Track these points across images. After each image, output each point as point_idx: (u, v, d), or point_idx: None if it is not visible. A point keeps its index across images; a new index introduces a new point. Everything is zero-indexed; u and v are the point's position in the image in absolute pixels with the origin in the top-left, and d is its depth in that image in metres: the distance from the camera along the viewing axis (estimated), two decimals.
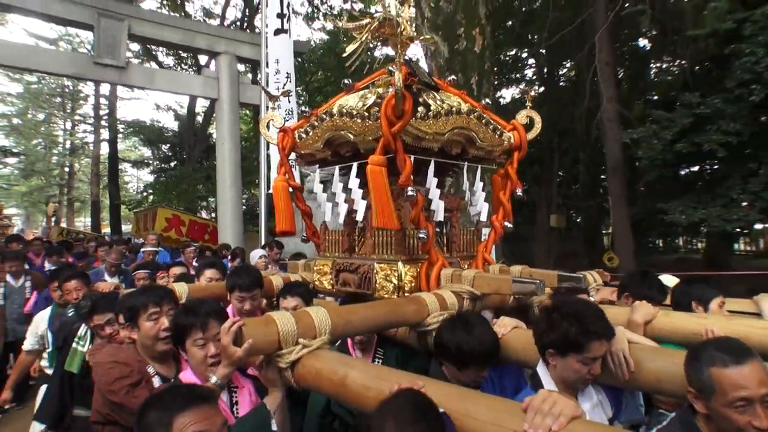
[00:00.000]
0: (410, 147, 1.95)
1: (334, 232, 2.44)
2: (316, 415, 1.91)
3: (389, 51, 2.73)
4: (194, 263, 5.26)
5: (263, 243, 7.29)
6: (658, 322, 1.85)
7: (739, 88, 6.20)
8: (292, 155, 2.39)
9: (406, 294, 2.04)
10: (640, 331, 1.74)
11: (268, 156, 7.91)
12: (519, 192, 2.31)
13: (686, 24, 7.38)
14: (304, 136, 2.27)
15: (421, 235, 1.96)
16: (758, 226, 7.40)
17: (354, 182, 2.16)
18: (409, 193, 1.90)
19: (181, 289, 2.21)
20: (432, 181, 2.11)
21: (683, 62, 8.44)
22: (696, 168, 8.85)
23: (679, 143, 7.01)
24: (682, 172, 8.58)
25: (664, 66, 11.58)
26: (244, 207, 15.61)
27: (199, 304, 1.68)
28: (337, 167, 2.26)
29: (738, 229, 7.78)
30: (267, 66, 8.28)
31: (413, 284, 2.07)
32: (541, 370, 1.48)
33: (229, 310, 2.26)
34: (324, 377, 1.39)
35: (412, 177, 1.93)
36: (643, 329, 1.79)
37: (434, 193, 2.12)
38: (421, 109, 1.93)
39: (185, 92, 11.15)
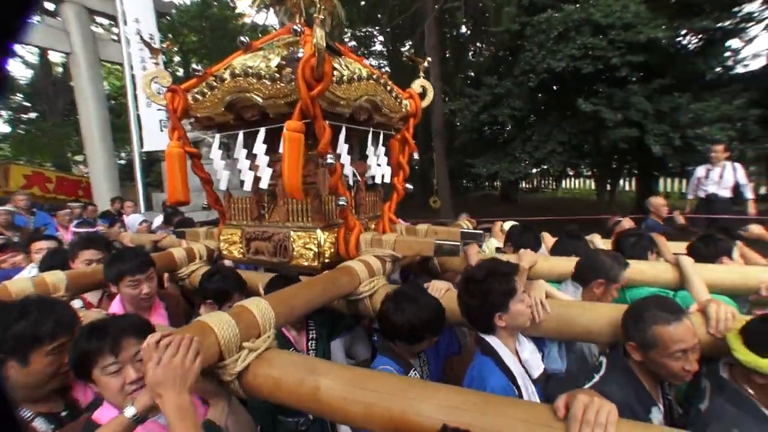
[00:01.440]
0: (324, 112, 1.90)
1: (241, 199, 2.25)
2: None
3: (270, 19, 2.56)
4: (73, 229, 4.11)
5: (143, 204, 7.34)
6: (539, 266, 2.16)
7: (522, 76, 7.95)
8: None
9: (326, 261, 2.06)
10: (524, 276, 1.93)
11: (137, 116, 7.56)
12: (416, 156, 2.52)
13: (490, 21, 9.29)
14: (199, 97, 2.00)
15: (341, 203, 1.97)
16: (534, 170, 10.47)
17: (260, 148, 2.01)
18: (329, 161, 1.86)
19: (55, 280, 1.71)
20: (343, 147, 2.16)
21: (492, 49, 10.65)
22: (495, 132, 11.41)
23: (482, 114, 8.80)
24: (485, 136, 10.88)
25: (479, 51, 14.73)
26: (123, 162, 14.18)
27: (107, 321, 1.21)
28: (241, 132, 2.07)
29: (520, 177, 10.46)
30: (126, 24, 7.47)
31: (332, 250, 2.10)
32: (491, 339, 1.47)
33: (116, 304, 1.89)
34: (287, 389, 1.17)
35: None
36: (527, 273, 2.03)
37: (346, 159, 2.17)
38: (336, 73, 1.89)
39: (27, 41, 8.68)
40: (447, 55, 14.51)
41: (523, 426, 0.92)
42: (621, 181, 11.83)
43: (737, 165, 5.36)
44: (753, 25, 7.12)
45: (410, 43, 14.47)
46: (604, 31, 6.60)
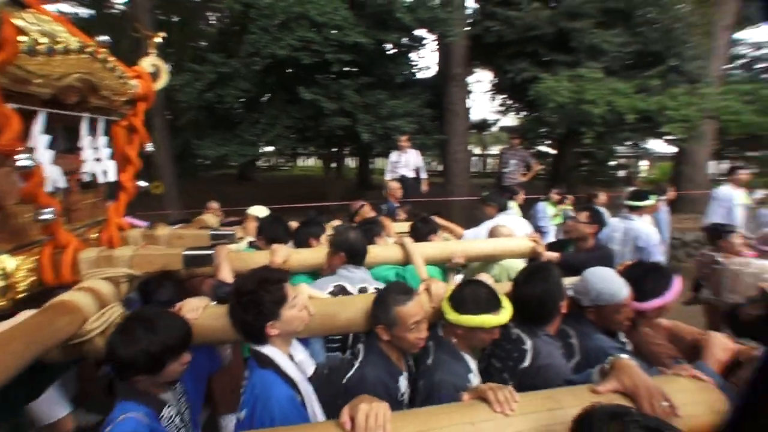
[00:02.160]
0: (8, 93, 1.41)
1: None
2: None
3: None
4: None
5: None
6: (291, 259, 2.21)
7: (248, 57, 7.88)
8: None
9: (21, 295, 1.56)
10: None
11: None
12: (150, 147, 2.18)
13: None
14: None
15: (45, 216, 1.52)
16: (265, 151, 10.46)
17: None
18: (24, 162, 1.39)
19: None
20: (41, 139, 1.65)
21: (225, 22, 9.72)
22: (224, 112, 10.69)
23: (208, 93, 8.25)
24: (215, 115, 10.13)
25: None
26: None
27: None
28: None
29: (250, 159, 10.32)
30: None
31: (32, 279, 1.62)
32: (268, 349, 1.45)
33: None
34: None
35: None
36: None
37: (46, 154, 1.68)
38: (26, 39, 1.38)
39: None
40: (173, 19, 12.70)
41: None
42: (346, 160, 13.68)
43: (417, 152, 7.20)
44: (424, 45, 9.51)
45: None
46: (319, 27, 7.32)
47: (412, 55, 9.47)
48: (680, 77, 8.00)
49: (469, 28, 9.37)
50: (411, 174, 7.00)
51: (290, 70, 8.32)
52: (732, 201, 5.33)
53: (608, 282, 1.74)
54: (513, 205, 4.34)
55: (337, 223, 3.27)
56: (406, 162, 6.99)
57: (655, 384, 1.17)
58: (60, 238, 1.67)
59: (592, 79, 7.29)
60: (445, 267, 2.67)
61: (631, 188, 5.03)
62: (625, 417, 0.88)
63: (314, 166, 20.05)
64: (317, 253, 2.29)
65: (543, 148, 12.40)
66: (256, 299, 1.41)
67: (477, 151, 16.52)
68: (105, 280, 1.64)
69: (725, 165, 13.33)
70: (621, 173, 12.41)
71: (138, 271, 1.78)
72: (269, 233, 2.53)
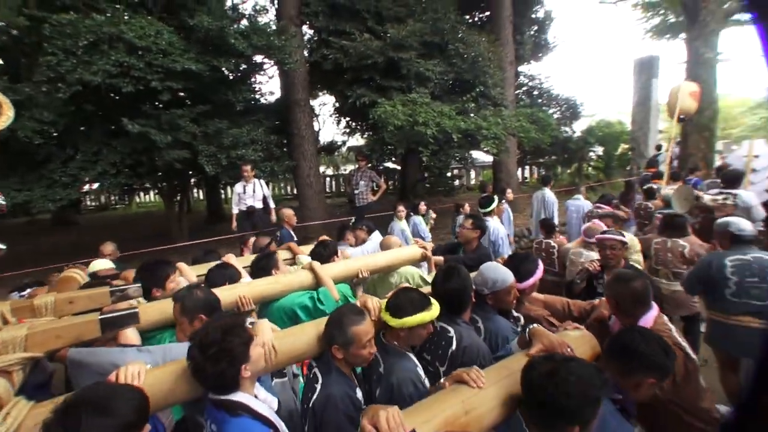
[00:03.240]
0: None
1: None
2: None
3: None
4: None
5: None
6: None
7: (49, 84, 6.54)
8: None
9: None
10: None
11: None
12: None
13: None
14: None
15: None
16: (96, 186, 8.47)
17: None
18: None
19: None
20: None
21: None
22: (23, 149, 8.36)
23: None
24: (9, 153, 7.88)
25: None
26: None
27: None
28: None
29: (64, 204, 7.85)
30: None
31: None
32: (238, 396, 1.46)
33: None
34: None
35: None
36: None
37: None
38: None
39: None
40: None
41: None
42: (193, 191, 12.32)
43: (262, 181, 7.02)
44: (265, 70, 9.32)
45: None
46: (141, 52, 6.56)
47: (254, 81, 9.24)
48: (487, 101, 9.66)
49: (307, 55, 9.62)
50: (259, 204, 6.77)
51: (110, 99, 7.22)
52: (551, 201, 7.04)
53: (500, 272, 2.24)
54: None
55: (232, 258, 3.16)
56: (252, 192, 6.75)
57: (560, 339, 1.72)
58: None
59: (422, 103, 8.25)
60: (351, 283, 2.91)
61: (483, 195, 6.18)
62: (553, 357, 1.46)
63: (156, 202, 17.65)
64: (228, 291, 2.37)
65: (390, 165, 13.45)
66: (226, 347, 1.41)
67: (329, 171, 16.95)
68: None
69: (527, 171, 16.61)
70: (456, 183, 14.32)
71: (40, 351, 1.50)
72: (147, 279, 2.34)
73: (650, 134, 14.91)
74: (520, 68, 14.59)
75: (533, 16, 14.63)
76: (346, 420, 1.60)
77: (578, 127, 15.71)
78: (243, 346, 1.45)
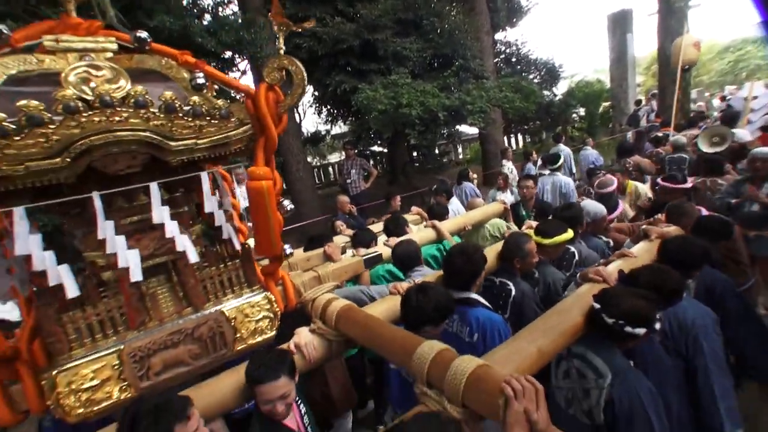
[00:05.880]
0: None
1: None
2: None
3: None
4: None
5: None
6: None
7: None
8: None
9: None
10: None
11: None
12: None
13: None
14: None
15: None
16: None
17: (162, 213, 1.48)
18: None
19: None
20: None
21: None
22: None
23: None
24: None
25: None
26: None
27: None
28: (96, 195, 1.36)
29: None
30: None
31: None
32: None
33: None
34: None
35: None
36: None
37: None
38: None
39: None
40: None
41: None
42: None
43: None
44: (237, 66, 8.96)
45: None
46: None
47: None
48: (468, 74, 9.47)
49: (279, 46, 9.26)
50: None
51: None
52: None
53: (597, 207, 3.17)
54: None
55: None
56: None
57: (609, 271, 2.03)
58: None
59: (403, 84, 8.04)
60: (460, 234, 3.73)
61: (545, 155, 6.73)
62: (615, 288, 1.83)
63: None
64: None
65: (377, 148, 13.25)
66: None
67: (316, 162, 16.65)
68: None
69: (513, 140, 16.54)
70: (444, 159, 14.21)
71: (338, 281, 2.40)
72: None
73: (629, 90, 14.90)
74: (497, 36, 14.32)
75: None
76: (535, 306, 2.32)
77: (559, 90, 15.61)
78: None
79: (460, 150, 16.49)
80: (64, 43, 1.46)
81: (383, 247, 3.02)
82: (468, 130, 13.81)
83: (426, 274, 2.50)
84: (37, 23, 1.48)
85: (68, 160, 1.30)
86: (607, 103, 15.70)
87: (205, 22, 7.56)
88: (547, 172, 5.72)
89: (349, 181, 7.94)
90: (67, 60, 1.45)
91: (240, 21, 7.93)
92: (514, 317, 2.30)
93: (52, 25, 1.49)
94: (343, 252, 3.10)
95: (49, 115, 1.27)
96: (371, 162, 8.56)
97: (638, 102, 13.44)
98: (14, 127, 1.23)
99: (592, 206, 3.16)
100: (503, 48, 15.07)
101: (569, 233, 2.60)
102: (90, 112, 1.32)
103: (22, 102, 1.25)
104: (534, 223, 3.18)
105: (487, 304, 2.13)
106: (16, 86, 1.34)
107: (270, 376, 1.50)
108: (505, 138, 15.00)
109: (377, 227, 3.82)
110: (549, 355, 1.55)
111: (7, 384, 1.44)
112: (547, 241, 2.57)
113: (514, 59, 14.89)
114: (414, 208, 4.49)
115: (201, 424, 1.28)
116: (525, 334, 1.62)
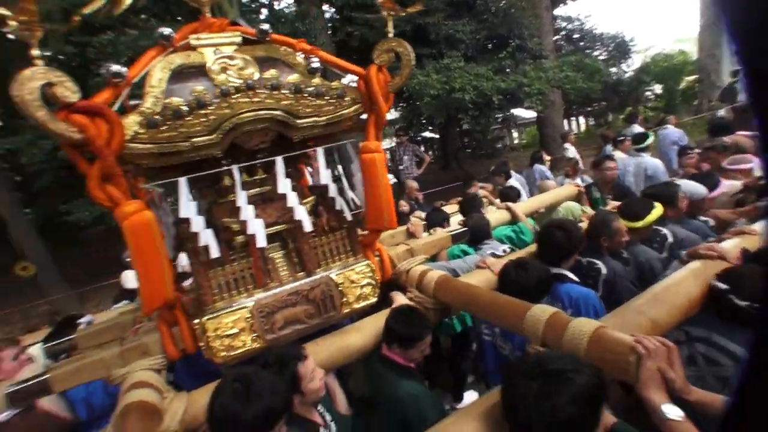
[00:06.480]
0: None
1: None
2: None
3: None
4: None
5: None
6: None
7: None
8: None
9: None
10: None
11: None
12: None
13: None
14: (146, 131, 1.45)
15: None
16: None
17: (286, 184, 1.74)
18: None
19: None
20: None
21: None
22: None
23: (60, 151, 7.03)
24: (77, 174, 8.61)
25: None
26: None
27: None
28: (235, 169, 1.66)
29: None
30: None
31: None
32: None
33: None
34: None
35: None
36: None
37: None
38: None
39: None
40: None
41: None
42: None
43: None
44: None
45: None
46: None
47: None
48: (525, 54, 9.05)
49: (332, 35, 9.43)
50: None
51: None
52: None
53: (698, 187, 2.98)
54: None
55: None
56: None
57: (721, 248, 1.85)
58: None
59: (456, 68, 7.88)
60: (533, 216, 3.74)
61: (635, 131, 6.01)
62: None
63: None
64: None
65: (428, 134, 13.14)
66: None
67: None
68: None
69: (574, 123, 15.57)
70: (499, 145, 13.76)
71: (428, 254, 2.46)
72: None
73: (723, 60, 12.95)
74: (557, 11, 13.47)
75: None
76: (630, 285, 2.22)
77: (631, 66, 14.40)
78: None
79: (516, 135, 15.87)
80: (203, 40, 1.72)
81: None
82: (524, 113, 13.23)
83: (495, 249, 2.61)
84: (187, 25, 1.76)
85: (220, 136, 1.54)
86: (691, 78, 14.08)
87: (262, 16, 7.87)
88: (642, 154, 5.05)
89: (401, 167, 7.97)
90: (203, 54, 1.69)
91: (295, 13, 8.17)
92: (605, 297, 2.19)
93: (197, 26, 1.76)
94: None
95: (209, 97, 1.54)
96: (422, 148, 8.52)
97: (735, 73, 11.78)
98: (187, 108, 1.49)
99: (692, 187, 2.98)
100: (564, 24, 14.17)
101: (659, 208, 2.48)
102: (237, 95, 1.57)
103: (199, 87, 1.53)
104: (616, 204, 3.07)
105: (578, 279, 2.11)
106: (176, 78, 1.63)
107: (425, 332, 1.79)
108: (565, 121, 14.20)
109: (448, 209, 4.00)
110: (663, 328, 1.48)
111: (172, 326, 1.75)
112: (640, 224, 2.46)
113: (576, 35, 13.95)
114: (482, 187, 4.56)
115: (315, 365, 1.55)
116: (631, 305, 1.58)
